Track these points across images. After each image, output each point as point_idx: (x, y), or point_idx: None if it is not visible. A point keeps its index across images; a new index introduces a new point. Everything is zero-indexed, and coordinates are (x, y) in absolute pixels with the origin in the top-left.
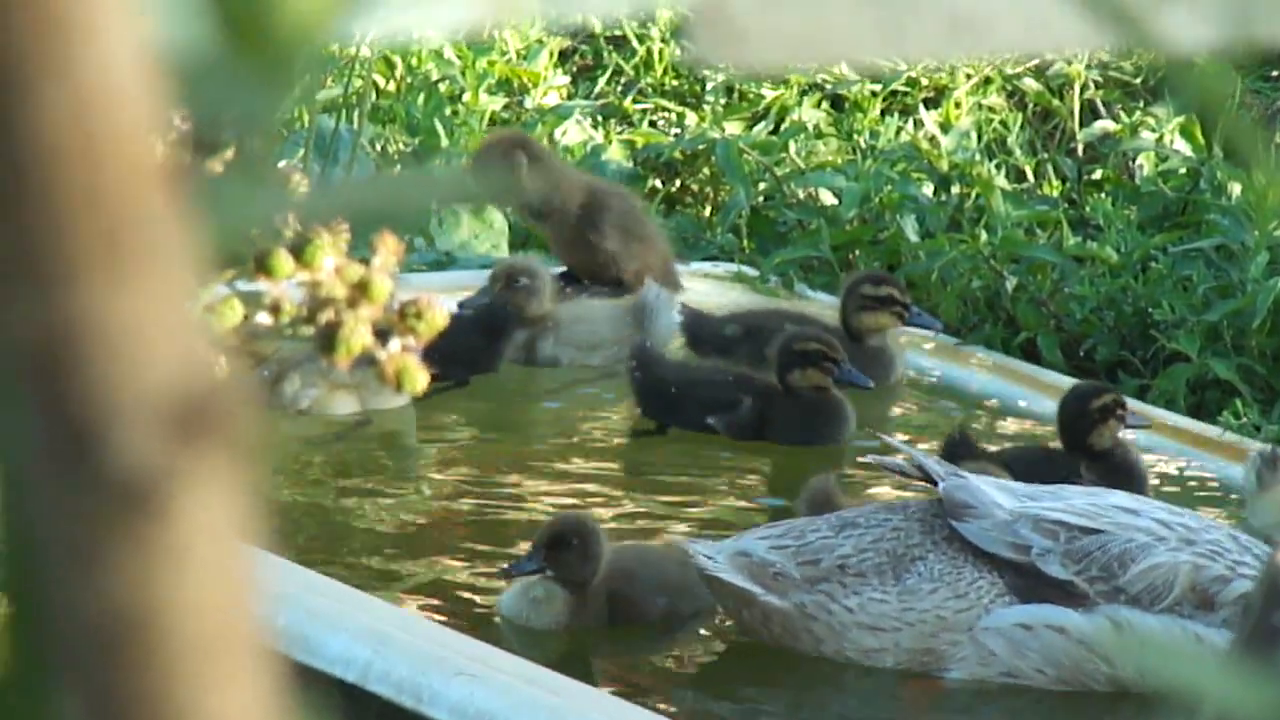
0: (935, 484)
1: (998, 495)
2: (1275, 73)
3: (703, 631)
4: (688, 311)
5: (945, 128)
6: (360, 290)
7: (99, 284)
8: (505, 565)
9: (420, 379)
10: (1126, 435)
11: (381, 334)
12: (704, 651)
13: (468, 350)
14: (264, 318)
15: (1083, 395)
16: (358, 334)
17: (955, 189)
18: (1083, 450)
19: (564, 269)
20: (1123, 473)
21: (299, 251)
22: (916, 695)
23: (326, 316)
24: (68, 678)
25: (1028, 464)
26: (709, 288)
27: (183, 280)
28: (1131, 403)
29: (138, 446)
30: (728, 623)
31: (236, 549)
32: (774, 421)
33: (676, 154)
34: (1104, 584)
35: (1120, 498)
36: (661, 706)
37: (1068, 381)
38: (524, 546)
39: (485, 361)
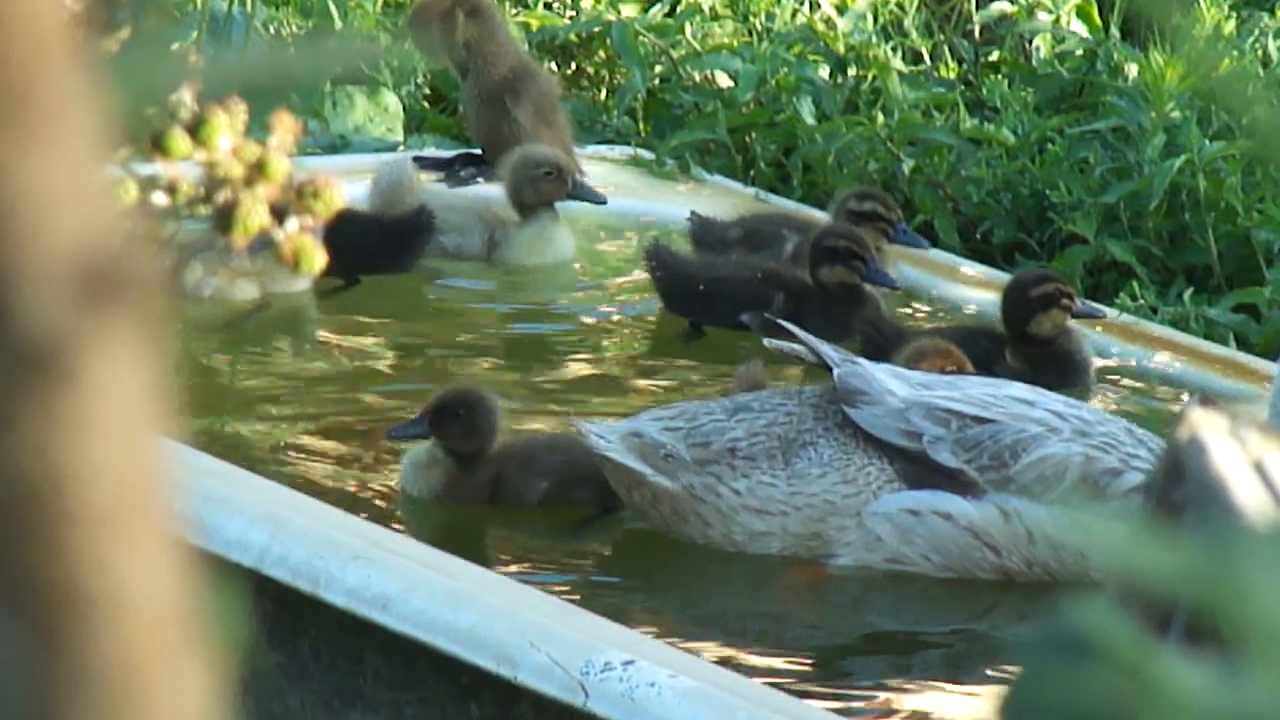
0: (830, 370)
1: (891, 383)
2: None
3: (597, 521)
4: (695, 217)
5: (841, 9)
6: (257, 170)
7: (6, 144)
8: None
9: (318, 258)
10: (1074, 325)
11: (279, 214)
12: (596, 539)
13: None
14: (161, 197)
15: (1023, 283)
16: (255, 213)
17: (852, 71)
18: (1023, 337)
19: (461, 152)
20: (1059, 363)
21: (195, 131)
22: (800, 581)
23: (223, 196)
24: None
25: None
26: (606, 170)
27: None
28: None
29: (43, 310)
30: (624, 513)
31: (143, 413)
32: (807, 317)
33: (572, 36)
34: (994, 473)
35: (1017, 389)
36: (555, 588)
37: (983, 271)
38: None
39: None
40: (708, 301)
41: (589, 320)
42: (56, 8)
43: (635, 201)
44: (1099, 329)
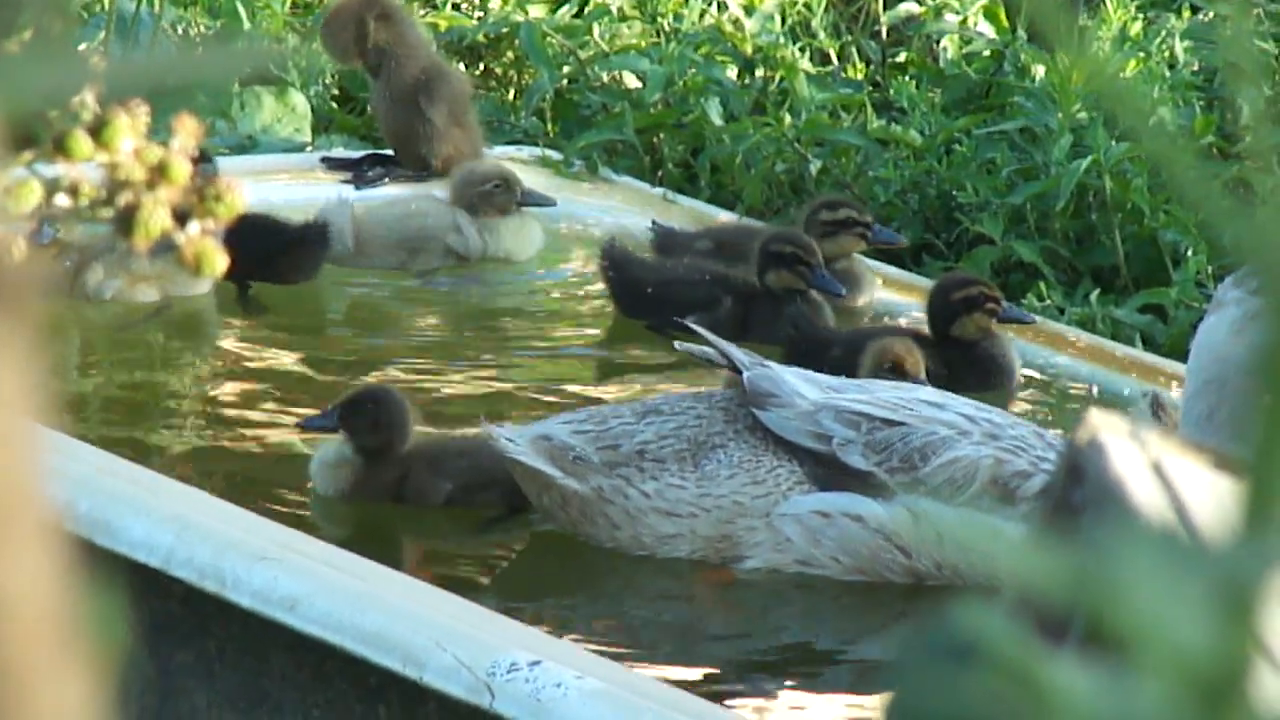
0: (740, 373)
1: (801, 385)
2: None
3: (503, 522)
4: (657, 228)
5: (749, 10)
6: (159, 172)
7: None
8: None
9: (219, 261)
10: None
11: (181, 217)
12: (505, 541)
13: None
14: (63, 199)
15: (947, 286)
16: (157, 216)
17: (759, 72)
18: (947, 340)
19: (369, 153)
20: (981, 366)
21: (97, 133)
22: (710, 587)
23: (125, 198)
24: None
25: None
26: (513, 171)
27: None
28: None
29: None
30: (533, 515)
31: (23, 420)
32: (754, 321)
33: (480, 37)
34: (904, 475)
35: (927, 392)
36: (463, 590)
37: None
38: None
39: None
40: (658, 304)
41: (513, 320)
42: None
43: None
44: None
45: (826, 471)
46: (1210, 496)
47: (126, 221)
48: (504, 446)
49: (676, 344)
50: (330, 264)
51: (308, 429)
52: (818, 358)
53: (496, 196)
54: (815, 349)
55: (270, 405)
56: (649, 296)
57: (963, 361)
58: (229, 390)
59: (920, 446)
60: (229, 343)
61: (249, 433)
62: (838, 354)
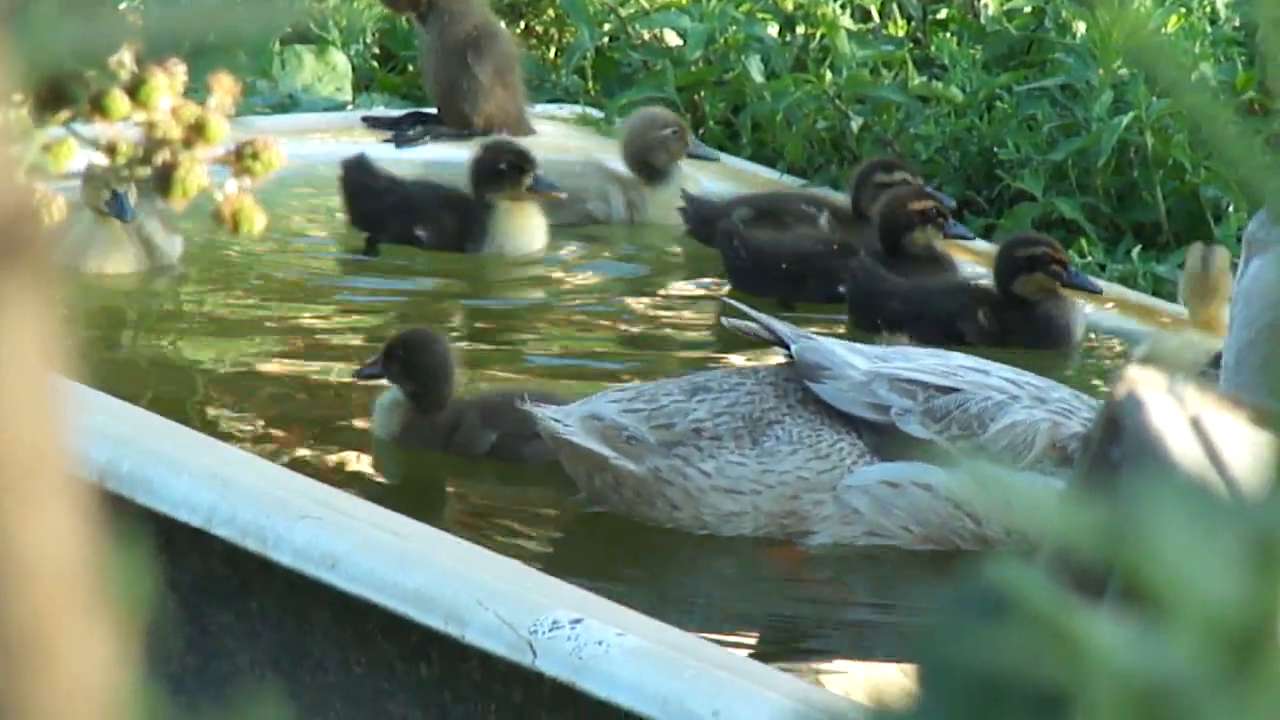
0: (787, 347)
1: (850, 356)
2: None
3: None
4: (690, 198)
5: None
6: (196, 130)
7: None
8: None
9: (258, 219)
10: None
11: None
12: (555, 504)
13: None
14: (100, 158)
15: (1014, 242)
16: (194, 174)
17: (800, 29)
18: (1009, 296)
19: (410, 111)
20: (1038, 325)
21: (135, 92)
22: (778, 563)
23: (163, 157)
24: None
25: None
26: (554, 130)
27: None
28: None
29: None
30: (578, 497)
31: (44, 374)
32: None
33: None
34: (965, 442)
35: (963, 358)
36: (506, 547)
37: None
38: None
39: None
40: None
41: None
42: None
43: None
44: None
45: (885, 441)
46: (1248, 451)
47: (164, 180)
48: (553, 427)
49: (724, 320)
50: None
51: (361, 378)
52: (877, 311)
53: (673, 142)
54: (875, 301)
55: (315, 358)
56: (783, 272)
57: (1021, 320)
58: (272, 345)
59: (978, 413)
60: (269, 292)
61: (292, 385)
62: (896, 307)
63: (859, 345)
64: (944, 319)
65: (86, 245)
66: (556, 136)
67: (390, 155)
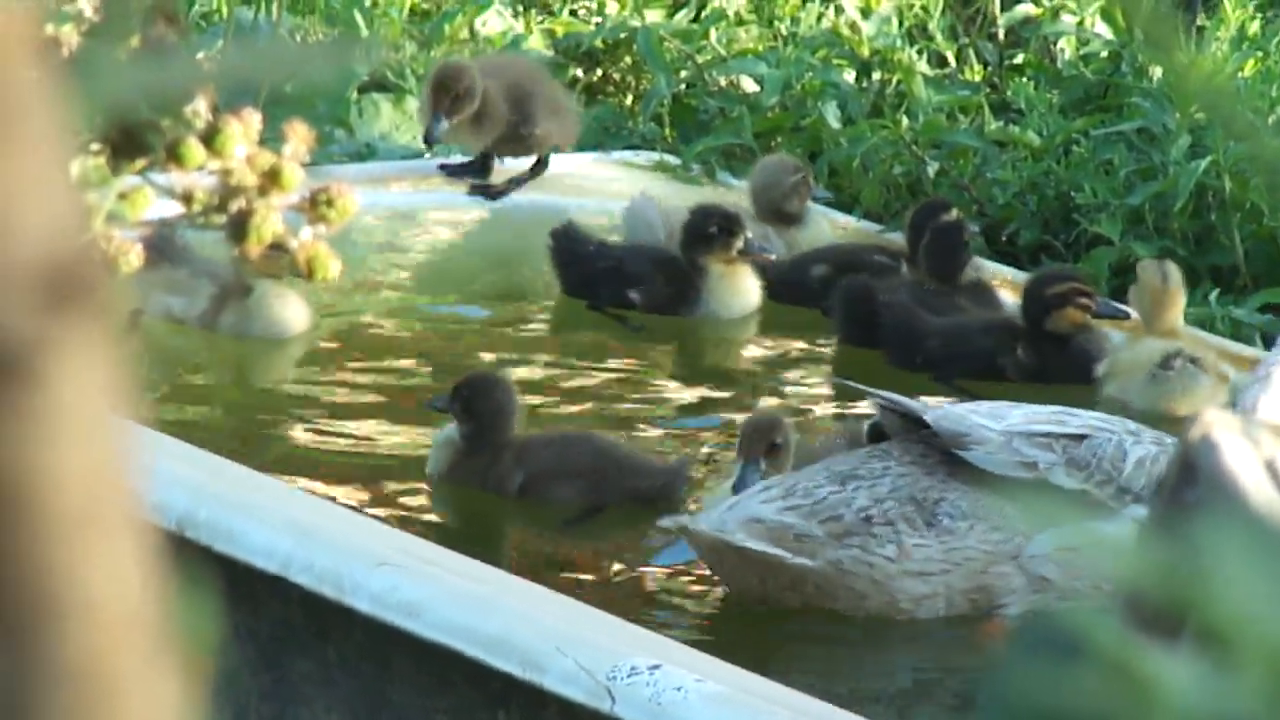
0: (915, 420)
1: (979, 418)
2: None
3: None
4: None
5: (866, 13)
6: (271, 178)
7: None
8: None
9: (332, 266)
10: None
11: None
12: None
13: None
14: (175, 206)
15: (1041, 280)
16: (269, 222)
17: (876, 75)
18: (1041, 333)
19: (477, 157)
20: (1072, 359)
21: (210, 140)
22: (989, 640)
23: (238, 205)
24: None
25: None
26: (632, 176)
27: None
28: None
29: (8, 314)
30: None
31: (109, 418)
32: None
33: (597, 43)
34: (1111, 487)
35: (1044, 407)
36: (580, 591)
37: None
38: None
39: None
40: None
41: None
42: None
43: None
44: (1127, 329)
45: (1037, 497)
46: None
47: (239, 228)
48: (720, 538)
49: (867, 400)
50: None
51: (430, 408)
52: (914, 349)
53: (802, 187)
54: (912, 340)
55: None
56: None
57: (1056, 353)
58: (350, 397)
59: (1110, 455)
60: (338, 346)
61: (367, 433)
62: (934, 345)
63: (974, 404)
64: (984, 355)
65: (258, 309)
66: (635, 182)
67: (474, 203)
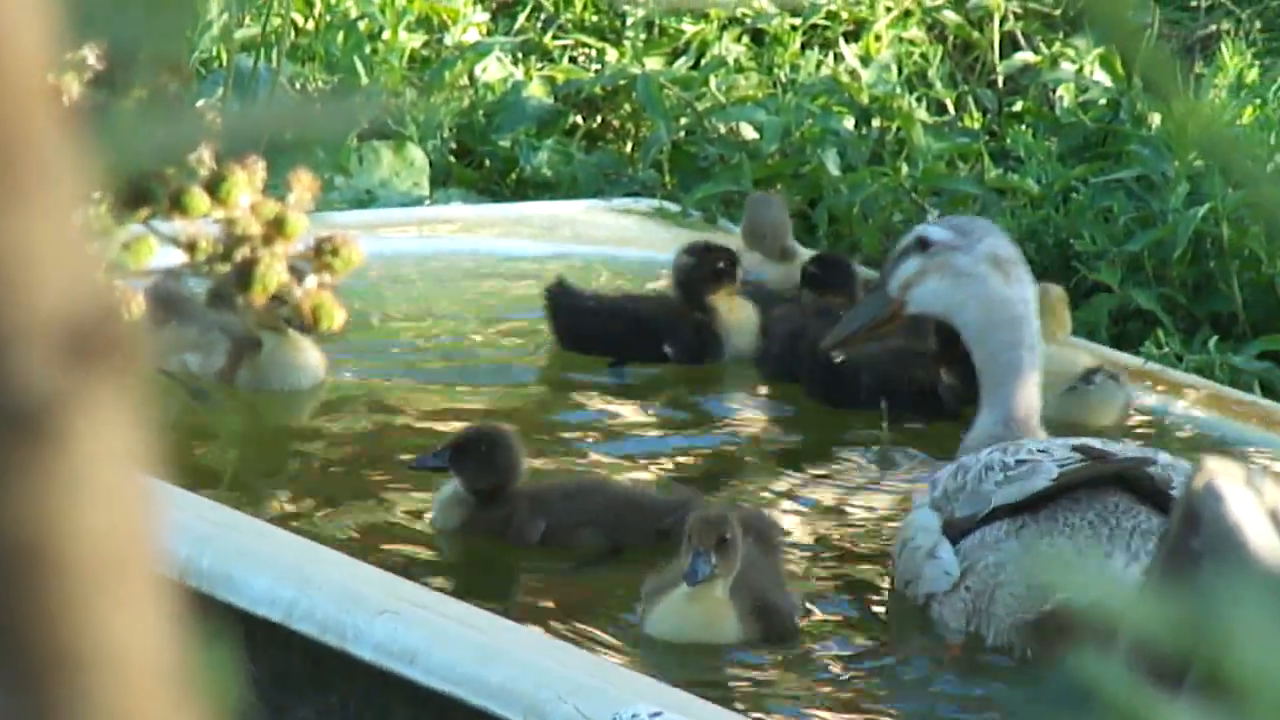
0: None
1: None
2: (1194, 3)
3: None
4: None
5: (865, 61)
6: (276, 227)
7: None
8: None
9: (337, 315)
10: None
11: (298, 271)
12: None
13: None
14: (179, 255)
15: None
16: (274, 271)
17: (876, 122)
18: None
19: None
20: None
21: (214, 189)
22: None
23: (242, 254)
24: None
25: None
26: (631, 223)
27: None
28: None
29: (31, 371)
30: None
31: (131, 474)
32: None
33: (597, 90)
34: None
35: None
36: (583, 639)
37: None
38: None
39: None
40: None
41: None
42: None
43: (661, 254)
44: (1125, 376)
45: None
46: None
47: (244, 276)
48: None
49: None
50: None
51: (418, 468)
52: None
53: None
54: (847, 376)
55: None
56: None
57: (969, 374)
58: (351, 445)
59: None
60: (343, 393)
61: (368, 484)
62: (869, 380)
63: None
64: (923, 383)
65: (273, 363)
66: (634, 229)
67: (472, 252)
